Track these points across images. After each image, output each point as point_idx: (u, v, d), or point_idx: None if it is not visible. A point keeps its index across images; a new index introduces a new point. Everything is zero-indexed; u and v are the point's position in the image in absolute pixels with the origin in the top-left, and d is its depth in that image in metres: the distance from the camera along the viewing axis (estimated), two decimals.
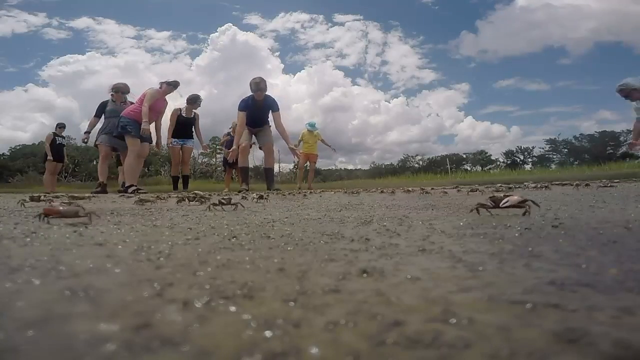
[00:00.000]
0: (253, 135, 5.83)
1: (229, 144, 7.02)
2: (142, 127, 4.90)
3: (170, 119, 6.22)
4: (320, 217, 1.16)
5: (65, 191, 6.56)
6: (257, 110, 5.60)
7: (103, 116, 5.88)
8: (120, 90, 5.85)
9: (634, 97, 5.11)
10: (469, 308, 0.31)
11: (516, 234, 0.72)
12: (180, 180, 6.32)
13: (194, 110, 6.33)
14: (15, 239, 0.74)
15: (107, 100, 5.86)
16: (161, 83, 5.35)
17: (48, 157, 7.36)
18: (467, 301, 0.34)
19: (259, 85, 5.46)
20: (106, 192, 5.25)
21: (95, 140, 5.82)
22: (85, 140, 6.11)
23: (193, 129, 6.39)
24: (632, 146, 5.61)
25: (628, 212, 1.04)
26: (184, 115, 6.26)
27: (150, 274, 0.45)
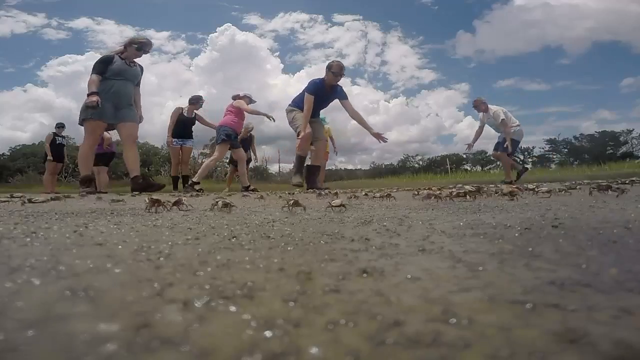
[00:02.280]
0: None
1: (244, 143, 7.03)
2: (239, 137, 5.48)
3: (170, 117, 6.18)
4: (320, 217, 1.16)
5: (66, 191, 6.54)
6: (324, 98, 4.91)
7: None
8: (143, 48, 4.34)
9: (480, 109, 6.26)
10: (469, 308, 0.31)
11: (516, 234, 0.72)
12: (180, 180, 6.32)
13: (195, 110, 6.33)
14: (15, 239, 0.74)
15: (112, 56, 4.23)
16: (243, 96, 5.72)
17: (48, 157, 7.36)
18: (467, 301, 0.34)
19: (342, 70, 4.78)
20: (95, 190, 4.37)
21: (84, 114, 4.05)
22: (97, 103, 3.90)
23: (192, 129, 6.38)
24: (469, 147, 6.87)
25: (628, 212, 1.04)
26: (185, 114, 6.23)
27: (150, 274, 0.45)
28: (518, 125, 6.18)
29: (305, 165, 5.16)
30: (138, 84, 4.59)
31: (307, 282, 0.41)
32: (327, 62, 4.87)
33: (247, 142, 7.24)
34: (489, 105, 6.16)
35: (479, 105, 6.25)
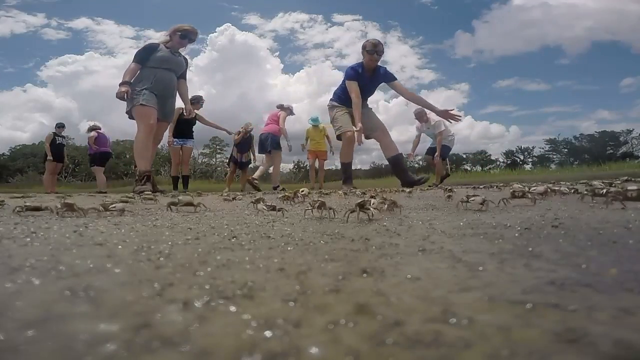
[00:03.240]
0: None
1: (240, 146, 7.05)
2: (280, 142, 6.12)
3: None
4: (320, 216, 1.16)
5: (66, 191, 6.52)
6: (368, 83, 4.31)
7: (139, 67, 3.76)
8: (188, 36, 4.06)
9: (422, 120, 6.59)
10: (469, 308, 0.31)
11: (516, 234, 0.72)
12: (180, 180, 6.31)
13: (195, 110, 6.31)
14: (15, 239, 0.74)
15: (157, 44, 3.96)
16: (286, 108, 6.45)
17: (48, 157, 7.36)
18: (467, 301, 0.34)
19: (376, 47, 4.17)
20: (156, 189, 3.77)
21: (133, 101, 3.70)
22: (126, 94, 3.65)
23: (193, 129, 6.39)
24: (409, 157, 7.24)
25: (628, 212, 1.04)
26: (185, 115, 6.23)
27: (150, 274, 0.45)
28: (452, 135, 6.81)
29: (389, 158, 4.46)
30: (184, 76, 4.29)
31: (307, 282, 0.41)
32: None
33: (247, 143, 7.24)
34: (429, 116, 6.54)
35: (422, 116, 6.61)
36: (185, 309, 0.32)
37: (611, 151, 31.90)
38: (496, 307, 0.32)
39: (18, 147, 31.05)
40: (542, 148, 36.15)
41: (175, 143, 6.11)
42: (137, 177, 3.80)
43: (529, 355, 0.23)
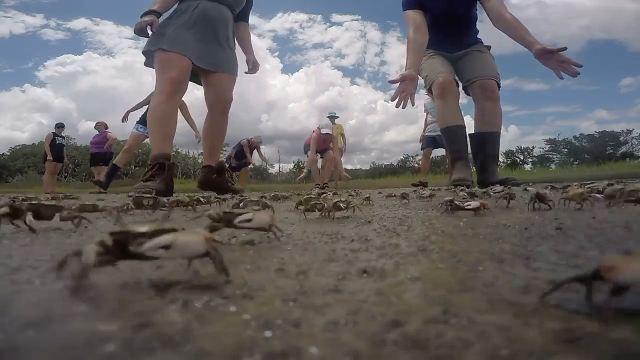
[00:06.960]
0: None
1: (235, 152, 7.02)
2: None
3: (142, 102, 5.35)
4: (320, 216, 1.16)
5: (66, 191, 6.52)
6: (444, 7, 2.74)
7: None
8: None
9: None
10: (469, 308, 0.31)
11: (516, 234, 0.72)
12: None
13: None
14: (16, 239, 0.74)
15: None
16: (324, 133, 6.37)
17: (48, 157, 7.36)
18: (467, 301, 0.34)
19: None
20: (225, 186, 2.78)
21: (154, 44, 2.40)
22: (150, 26, 2.35)
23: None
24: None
25: (628, 212, 1.04)
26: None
27: (150, 274, 0.45)
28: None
29: (484, 133, 2.84)
30: (245, 18, 2.91)
31: (306, 282, 0.41)
32: None
33: (242, 151, 7.09)
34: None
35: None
36: (185, 309, 0.32)
37: (611, 151, 31.87)
38: (496, 307, 0.32)
39: (18, 147, 31.05)
40: (542, 148, 36.12)
41: (140, 129, 5.30)
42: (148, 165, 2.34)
43: (529, 355, 0.23)
